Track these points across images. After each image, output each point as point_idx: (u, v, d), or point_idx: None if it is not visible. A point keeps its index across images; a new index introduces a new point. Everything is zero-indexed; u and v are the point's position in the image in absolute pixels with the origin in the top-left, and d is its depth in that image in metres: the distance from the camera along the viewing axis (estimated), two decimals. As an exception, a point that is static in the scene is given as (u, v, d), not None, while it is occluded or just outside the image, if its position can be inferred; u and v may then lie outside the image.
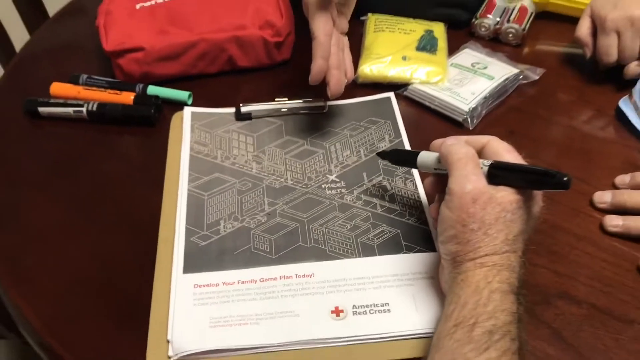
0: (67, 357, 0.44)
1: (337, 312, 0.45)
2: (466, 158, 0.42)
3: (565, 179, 0.39)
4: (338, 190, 0.55)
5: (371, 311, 0.45)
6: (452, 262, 0.42)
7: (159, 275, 0.48)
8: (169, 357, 0.43)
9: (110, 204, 0.55)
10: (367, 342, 0.44)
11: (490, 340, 0.37)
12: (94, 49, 0.71)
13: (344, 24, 0.58)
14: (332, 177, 0.56)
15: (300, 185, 0.55)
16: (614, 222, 0.51)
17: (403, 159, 0.52)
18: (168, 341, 0.43)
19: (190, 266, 0.48)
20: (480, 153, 0.45)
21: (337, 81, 0.55)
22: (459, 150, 0.43)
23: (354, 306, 0.45)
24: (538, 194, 0.44)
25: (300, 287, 0.47)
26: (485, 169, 0.42)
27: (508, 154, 0.44)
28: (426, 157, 0.48)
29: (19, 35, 1.11)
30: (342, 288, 0.47)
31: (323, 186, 0.55)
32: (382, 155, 0.54)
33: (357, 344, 0.44)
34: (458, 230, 0.41)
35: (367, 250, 0.49)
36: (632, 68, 0.64)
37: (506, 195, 0.41)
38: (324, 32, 0.54)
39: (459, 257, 0.41)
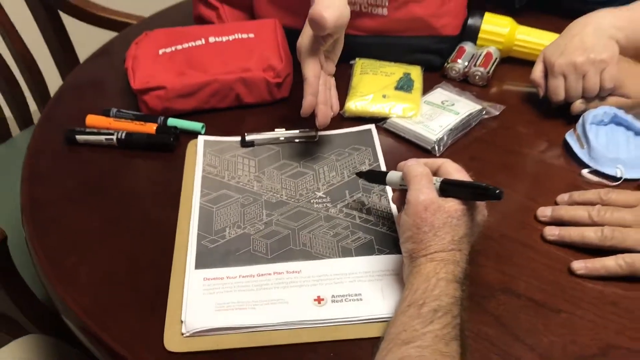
0: (103, 335, 0.55)
1: (319, 300, 0.56)
2: (421, 175, 0.54)
3: (497, 191, 0.50)
4: (324, 204, 0.66)
5: (346, 300, 0.55)
6: (410, 258, 0.52)
7: (175, 270, 0.59)
8: (182, 334, 0.53)
9: (136, 215, 0.66)
10: (342, 324, 0.54)
11: (435, 316, 0.47)
12: (122, 87, 0.84)
13: (331, 68, 0.71)
14: (320, 194, 0.67)
15: (292, 200, 0.66)
16: (551, 232, 0.62)
17: (376, 177, 0.63)
18: (182, 321, 0.54)
19: (201, 263, 0.59)
20: (436, 172, 0.56)
21: (323, 114, 0.67)
22: (416, 169, 0.54)
23: (332, 296, 0.56)
24: (480, 205, 0.54)
25: (290, 280, 0.57)
26: (437, 184, 0.53)
27: (457, 173, 0.55)
28: (393, 175, 0.59)
29: (52, 77, 1.25)
30: (324, 282, 0.57)
31: (312, 201, 0.66)
32: (360, 174, 0.65)
33: (334, 325, 0.54)
34: (413, 232, 0.52)
35: (346, 252, 0.60)
36: (577, 106, 0.75)
37: (453, 205, 0.52)
38: (313, 74, 0.66)
39: (414, 254, 0.52)
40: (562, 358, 0.52)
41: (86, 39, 1.20)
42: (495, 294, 0.58)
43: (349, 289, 0.56)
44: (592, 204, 0.63)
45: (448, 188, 0.53)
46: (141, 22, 1.11)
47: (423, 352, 0.44)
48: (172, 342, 0.53)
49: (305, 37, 0.67)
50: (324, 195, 0.67)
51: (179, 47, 0.81)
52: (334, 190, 0.67)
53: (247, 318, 0.54)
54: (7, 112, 1.21)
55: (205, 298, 0.56)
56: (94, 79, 0.91)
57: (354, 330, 0.53)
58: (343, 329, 0.54)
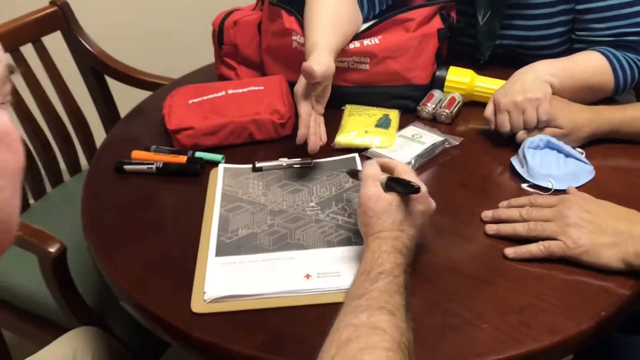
0: (147, 304, 0.73)
1: (307, 276, 0.73)
2: (367, 176, 0.72)
3: (415, 187, 0.69)
4: (315, 211, 0.84)
5: (328, 276, 0.73)
6: (365, 238, 0.70)
7: (200, 257, 0.77)
8: (204, 300, 0.71)
9: (170, 220, 0.86)
10: (324, 293, 0.71)
11: (379, 277, 0.63)
12: (158, 131, 1.05)
13: (320, 109, 0.91)
14: (312, 204, 0.86)
15: (291, 209, 0.85)
16: (491, 228, 0.79)
17: (355, 174, 0.82)
18: (204, 292, 0.72)
19: (220, 252, 0.78)
20: (392, 171, 0.74)
21: (313, 142, 0.87)
22: (366, 171, 0.73)
23: (318, 273, 0.74)
24: (419, 198, 0.71)
25: (286, 264, 0.76)
26: (384, 182, 0.71)
27: (405, 174, 0.73)
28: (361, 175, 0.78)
29: (97, 130, 1.49)
30: (312, 264, 0.75)
31: (306, 209, 0.85)
32: (348, 172, 0.85)
33: (319, 294, 0.71)
34: (362, 218, 0.70)
35: (330, 244, 0.78)
36: (520, 135, 0.94)
37: (391, 197, 0.70)
38: (305, 112, 0.87)
39: (365, 235, 0.70)
40: (489, 314, 0.68)
41: (127, 97, 1.43)
42: (445, 273, 0.75)
43: (330, 269, 0.74)
44: (524, 206, 0.80)
45: (390, 184, 0.71)
46: (172, 83, 1.34)
47: (370, 302, 0.61)
48: (197, 306, 0.71)
49: (300, 84, 0.88)
50: (315, 205, 0.86)
51: (205, 97, 1.03)
52: (324, 202, 0.86)
53: (253, 288, 0.72)
54: (62, 164, 1.43)
55: (222, 275, 0.74)
56: (135, 126, 1.13)
57: (332, 297, 0.71)
58: (325, 296, 0.71)
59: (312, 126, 0.88)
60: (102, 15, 1.82)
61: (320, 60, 0.87)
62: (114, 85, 1.49)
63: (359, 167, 0.92)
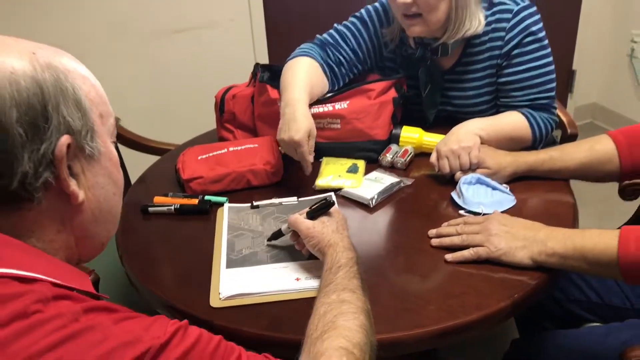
0: (175, 303, 0.96)
1: (297, 279, 0.97)
2: (295, 218, 0.97)
3: (331, 201, 0.95)
4: (301, 235, 1.09)
5: (312, 279, 0.97)
6: (321, 254, 0.93)
7: (214, 269, 1.01)
8: (220, 298, 0.94)
9: (188, 246, 1.10)
10: (309, 290, 0.95)
11: (339, 270, 0.87)
12: (171, 183, 1.30)
13: (311, 151, 1.19)
14: (299, 230, 1.11)
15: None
16: (435, 241, 1.05)
17: (277, 234, 1.06)
18: (219, 292, 0.95)
19: (229, 265, 1.01)
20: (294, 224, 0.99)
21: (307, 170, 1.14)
22: (291, 219, 0.98)
23: (305, 277, 0.98)
24: (335, 210, 0.98)
25: (281, 271, 1.00)
26: (306, 216, 0.97)
27: (300, 215, 0.99)
28: (284, 226, 1.03)
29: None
30: (301, 271, 0.99)
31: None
32: (269, 239, 1.09)
33: (305, 291, 0.95)
34: (312, 242, 0.94)
35: (313, 257, 1.02)
36: (457, 175, 1.21)
37: (318, 219, 0.95)
38: (309, 154, 1.15)
39: (321, 251, 0.93)
40: (434, 299, 0.93)
41: (138, 161, 1.69)
42: (402, 274, 1.00)
43: (314, 274, 0.98)
44: (459, 224, 1.06)
45: (311, 214, 0.97)
46: (176, 148, 1.60)
47: (336, 287, 0.84)
48: (215, 302, 0.94)
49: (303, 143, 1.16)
50: (301, 231, 1.10)
51: (211, 154, 1.30)
52: (308, 228, 1.11)
53: (256, 288, 0.96)
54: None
55: (232, 280, 0.98)
56: (151, 182, 1.38)
57: (315, 293, 0.93)
58: (310, 292, 0.95)
59: (309, 164, 1.19)
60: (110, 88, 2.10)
61: (299, 129, 1.16)
62: (125, 150, 1.75)
63: (335, 205, 1.18)
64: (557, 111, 1.38)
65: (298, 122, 1.18)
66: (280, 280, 0.98)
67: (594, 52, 3.06)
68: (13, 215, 0.60)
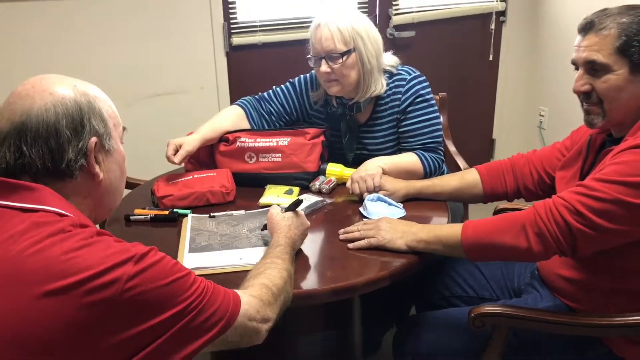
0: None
1: (240, 259, 1.35)
2: (273, 210, 1.38)
3: (302, 200, 1.36)
4: (246, 233, 1.48)
5: (251, 258, 1.35)
6: (276, 236, 1.34)
7: (179, 255, 1.38)
8: (184, 271, 1.31)
9: (161, 244, 1.47)
10: (248, 265, 1.33)
11: (277, 248, 1.25)
12: (147, 201, 1.68)
13: (179, 158, 1.60)
14: (245, 230, 1.50)
15: (232, 233, 1.48)
16: (343, 236, 1.45)
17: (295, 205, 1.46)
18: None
19: (191, 251, 1.39)
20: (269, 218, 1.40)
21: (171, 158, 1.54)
22: (271, 210, 1.39)
23: (246, 257, 1.36)
24: (300, 214, 1.38)
25: (229, 253, 1.37)
26: (282, 209, 1.37)
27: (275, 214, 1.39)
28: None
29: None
30: (243, 254, 1.37)
31: (240, 232, 1.48)
32: (264, 228, 1.49)
33: (247, 265, 1.33)
34: (270, 223, 1.35)
35: (254, 245, 1.40)
36: (364, 195, 1.63)
37: (288, 214, 1.36)
38: (173, 156, 1.55)
39: (277, 235, 1.33)
40: (342, 273, 1.32)
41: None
42: (324, 258, 1.39)
43: (253, 256, 1.36)
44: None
45: (286, 208, 1.37)
46: (145, 183, 1.98)
47: (271, 256, 1.22)
48: (180, 273, 1.31)
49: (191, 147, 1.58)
50: (247, 231, 1.49)
51: (179, 180, 1.69)
52: (251, 229, 1.50)
53: (210, 264, 1.33)
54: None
55: (192, 259, 1.35)
56: (133, 200, 1.76)
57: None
58: (249, 267, 1.32)
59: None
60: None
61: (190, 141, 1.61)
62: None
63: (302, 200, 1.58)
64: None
65: (186, 141, 1.69)
66: (227, 258, 1.36)
67: (510, 124, 3.62)
68: (60, 184, 0.97)
